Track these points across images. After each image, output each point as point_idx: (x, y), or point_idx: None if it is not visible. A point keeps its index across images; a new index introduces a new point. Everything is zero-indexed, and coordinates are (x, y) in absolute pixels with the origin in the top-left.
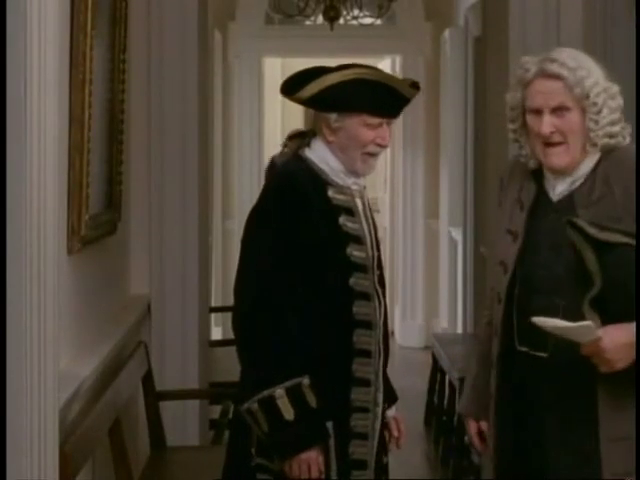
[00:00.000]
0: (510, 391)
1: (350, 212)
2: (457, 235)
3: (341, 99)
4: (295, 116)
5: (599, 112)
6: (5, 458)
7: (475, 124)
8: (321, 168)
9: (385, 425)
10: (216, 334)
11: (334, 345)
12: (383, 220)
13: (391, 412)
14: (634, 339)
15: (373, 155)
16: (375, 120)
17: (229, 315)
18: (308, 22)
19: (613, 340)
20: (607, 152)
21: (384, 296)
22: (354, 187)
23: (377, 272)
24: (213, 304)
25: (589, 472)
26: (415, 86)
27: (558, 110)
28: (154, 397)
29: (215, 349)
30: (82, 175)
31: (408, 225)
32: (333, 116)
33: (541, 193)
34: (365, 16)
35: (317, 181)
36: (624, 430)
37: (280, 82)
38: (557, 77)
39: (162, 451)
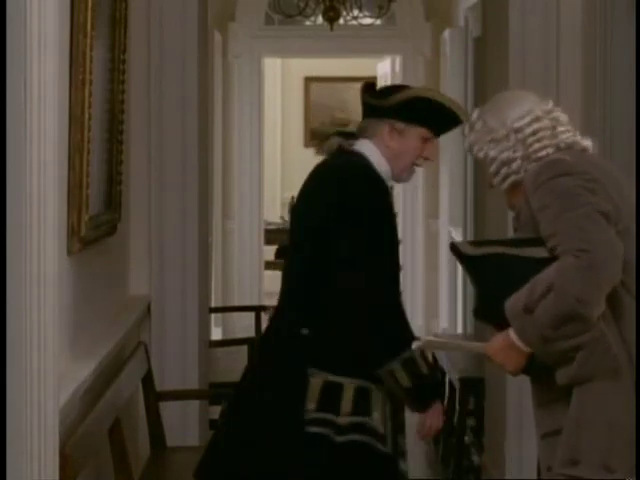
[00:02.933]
0: None
1: (395, 214)
2: (457, 235)
3: (412, 111)
4: (295, 116)
5: (484, 163)
6: (5, 459)
7: None
8: (377, 168)
9: None
10: (216, 334)
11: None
12: None
13: None
14: (508, 343)
15: (417, 166)
16: (430, 135)
17: (229, 315)
18: (308, 22)
19: (492, 347)
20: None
21: None
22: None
23: None
24: (213, 304)
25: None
26: (466, 113)
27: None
28: (154, 397)
29: (215, 349)
30: (82, 175)
31: (408, 225)
32: (401, 125)
33: None
34: (365, 16)
35: (383, 179)
36: (553, 425)
37: (280, 82)
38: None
39: (162, 451)
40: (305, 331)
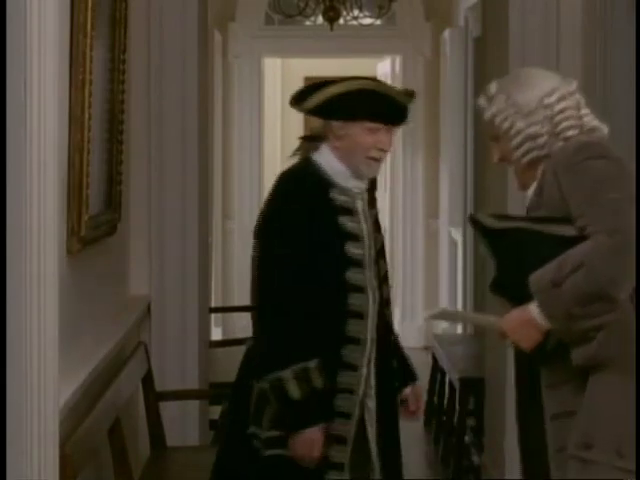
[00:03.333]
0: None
1: (350, 212)
2: (457, 235)
3: (344, 108)
4: (295, 117)
5: (507, 134)
6: (5, 459)
7: (475, 124)
8: (326, 171)
9: (401, 402)
10: (216, 334)
11: (327, 333)
12: (383, 220)
13: (407, 390)
14: (527, 318)
15: (376, 159)
16: (375, 126)
17: (229, 315)
18: (308, 22)
19: (508, 323)
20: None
21: (381, 289)
22: (355, 190)
23: (374, 267)
24: (213, 304)
25: (541, 452)
26: (410, 94)
27: (495, 139)
28: (154, 397)
29: (215, 349)
30: (82, 175)
31: (408, 225)
32: (338, 124)
33: None
34: (365, 16)
35: (321, 183)
36: (564, 406)
37: (280, 82)
38: (482, 110)
39: (162, 451)
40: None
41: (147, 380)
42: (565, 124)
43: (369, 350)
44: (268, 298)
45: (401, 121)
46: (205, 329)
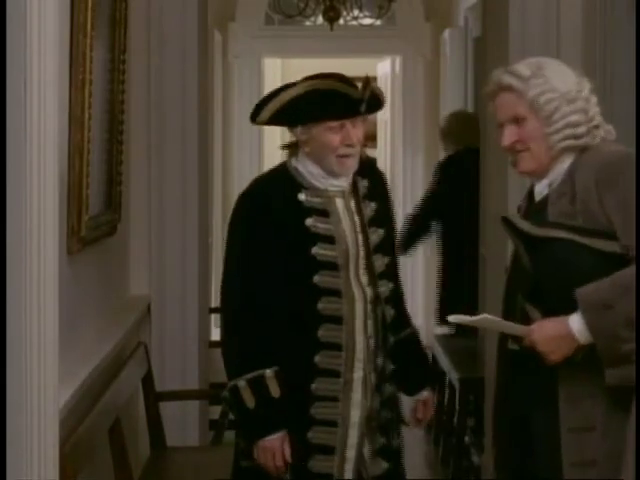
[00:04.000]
0: (502, 387)
1: (324, 213)
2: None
3: (299, 112)
4: None
5: (549, 117)
6: (5, 458)
7: None
8: (302, 173)
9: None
10: (216, 335)
11: (298, 339)
12: None
13: (421, 396)
14: (565, 332)
15: (347, 156)
16: (336, 123)
17: None
18: (308, 22)
19: (542, 333)
20: (582, 151)
21: (375, 288)
22: (332, 189)
23: (365, 265)
24: (213, 305)
25: (555, 464)
26: (365, 81)
27: (516, 120)
28: (154, 397)
29: (215, 350)
30: (82, 175)
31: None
32: (298, 129)
33: (531, 195)
34: (365, 16)
35: (289, 186)
36: (584, 421)
37: (280, 82)
38: (509, 88)
39: (162, 451)
40: None
41: (147, 380)
42: (598, 119)
43: (356, 355)
44: (226, 303)
45: (364, 110)
46: (205, 329)
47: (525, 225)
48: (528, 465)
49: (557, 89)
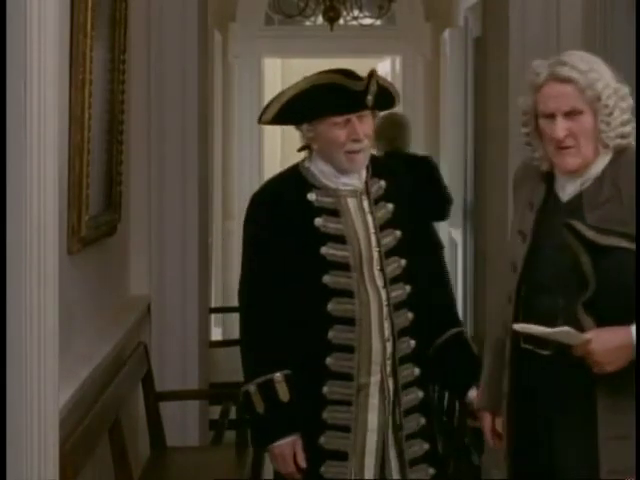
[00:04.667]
0: (521, 391)
1: (334, 213)
2: (457, 235)
3: (303, 109)
4: None
5: (611, 114)
6: (5, 458)
7: (475, 124)
8: (313, 173)
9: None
10: (216, 335)
11: (310, 340)
12: None
13: (468, 398)
14: (626, 343)
15: (356, 152)
16: (341, 119)
17: (229, 315)
18: (308, 22)
19: (602, 343)
20: (618, 153)
21: (388, 290)
22: (344, 188)
23: (378, 267)
24: (213, 305)
25: (589, 472)
26: (370, 75)
27: (571, 113)
28: (154, 397)
29: (215, 350)
30: (82, 175)
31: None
32: (304, 127)
33: (550, 195)
34: (365, 16)
35: (299, 186)
36: (622, 430)
37: (280, 82)
38: (568, 80)
39: (162, 451)
40: None
41: (147, 380)
42: (634, 121)
43: (372, 359)
44: (241, 305)
45: (374, 105)
46: (205, 329)
47: (589, 233)
48: (556, 466)
49: (611, 85)
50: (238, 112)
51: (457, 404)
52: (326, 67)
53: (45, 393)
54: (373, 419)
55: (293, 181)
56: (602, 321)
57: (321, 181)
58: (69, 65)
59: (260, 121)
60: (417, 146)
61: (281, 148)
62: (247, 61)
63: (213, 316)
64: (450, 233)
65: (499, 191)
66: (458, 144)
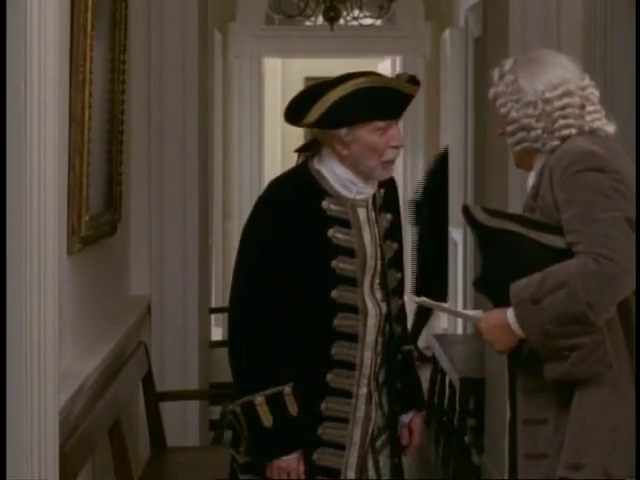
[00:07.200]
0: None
1: (345, 224)
2: (457, 235)
3: (348, 113)
4: None
5: (504, 118)
6: (5, 458)
7: (475, 124)
8: (325, 177)
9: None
10: (216, 335)
11: (311, 356)
12: None
13: (406, 417)
14: (503, 322)
15: (392, 162)
16: (384, 123)
17: None
18: (308, 22)
19: (487, 323)
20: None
21: (388, 303)
22: (358, 197)
23: (380, 280)
24: (213, 305)
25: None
26: (413, 81)
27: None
28: (154, 398)
29: (215, 350)
30: (82, 175)
31: (408, 226)
32: (343, 131)
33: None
34: (365, 16)
35: (312, 192)
36: (534, 413)
37: (280, 82)
38: (492, 83)
39: (162, 451)
40: None
41: (147, 380)
42: (562, 122)
43: (362, 371)
44: (240, 314)
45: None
46: (205, 329)
47: (482, 216)
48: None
49: (519, 89)
50: (238, 112)
51: (457, 404)
52: (326, 67)
53: (45, 393)
54: (357, 433)
55: (304, 185)
56: (496, 301)
57: (333, 187)
58: (69, 65)
59: (296, 123)
60: (417, 146)
61: (281, 148)
62: (247, 61)
63: (213, 316)
64: (450, 233)
65: (500, 191)
66: (458, 144)
